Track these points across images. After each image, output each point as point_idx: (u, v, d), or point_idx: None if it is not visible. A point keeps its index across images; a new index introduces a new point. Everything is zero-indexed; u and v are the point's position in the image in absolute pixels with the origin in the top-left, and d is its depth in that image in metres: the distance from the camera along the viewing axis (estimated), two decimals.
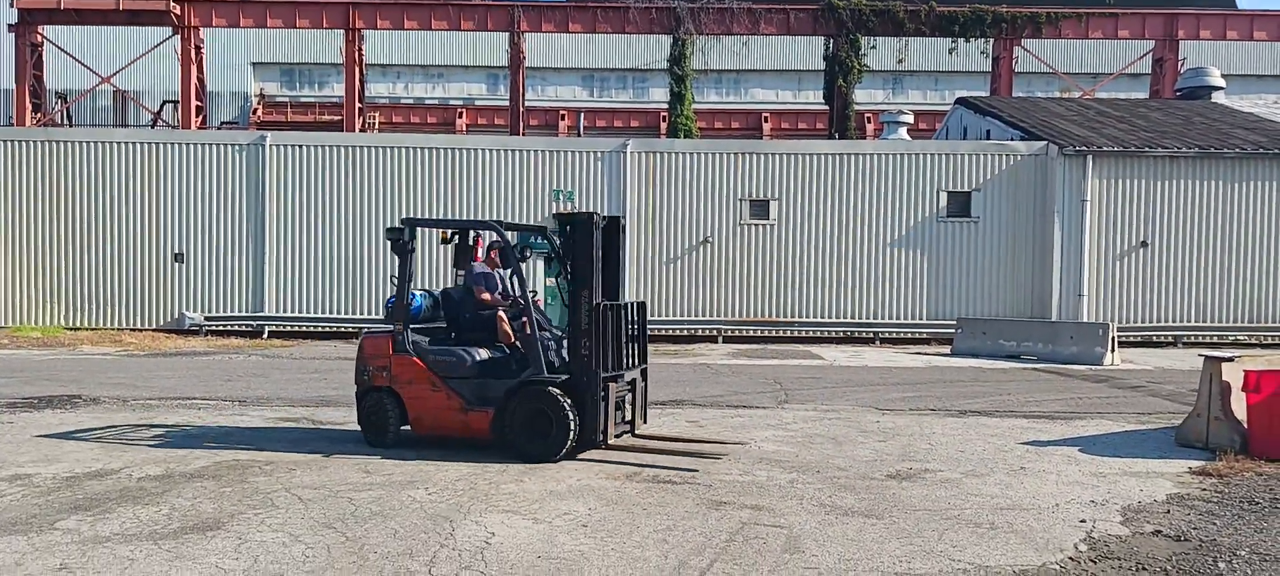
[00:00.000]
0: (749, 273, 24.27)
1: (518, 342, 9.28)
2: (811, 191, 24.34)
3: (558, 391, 8.57)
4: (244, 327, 23.91)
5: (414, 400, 9.16)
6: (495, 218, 23.98)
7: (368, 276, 24.06)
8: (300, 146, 24.47)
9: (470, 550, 6.02)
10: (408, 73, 51.68)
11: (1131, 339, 22.30)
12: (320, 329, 23.95)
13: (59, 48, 35.82)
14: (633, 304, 9.41)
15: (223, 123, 46.76)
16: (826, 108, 39.34)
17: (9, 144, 24.16)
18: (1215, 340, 23.40)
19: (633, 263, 24.10)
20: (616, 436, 8.93)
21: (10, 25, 34.57)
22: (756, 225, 24.33)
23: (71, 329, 23.53)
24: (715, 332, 24.12)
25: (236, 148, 24.40)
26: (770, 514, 6.95)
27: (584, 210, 10.32)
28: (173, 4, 33.65)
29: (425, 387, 9.10)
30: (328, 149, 24.37)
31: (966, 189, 24.30)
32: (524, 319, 9.04)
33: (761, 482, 7.93)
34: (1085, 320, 22.71)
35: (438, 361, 9.14)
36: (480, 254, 10.37)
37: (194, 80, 35.22)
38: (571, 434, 8.48)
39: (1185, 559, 5.94)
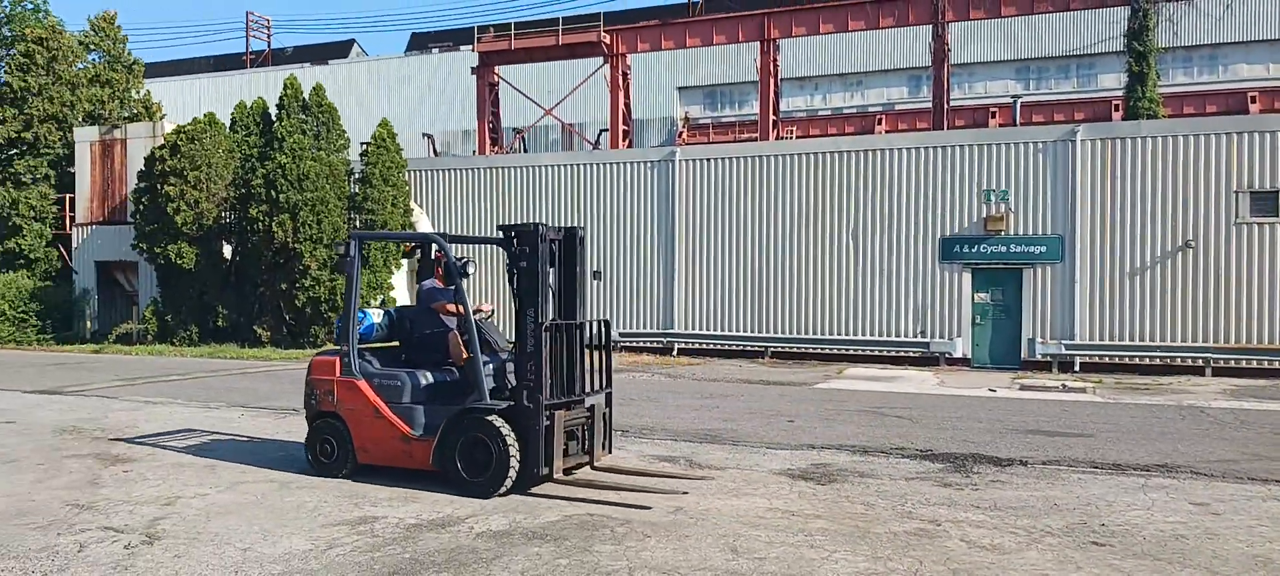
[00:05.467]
0: (1250, 285, 18.92)
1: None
2: None
3: (499, 420, 7.76)
4: (654, 344, 23.65)
5: (358, 428, 8.42)
6: (916, 223, 21.28)
7: (775, 292, 22.57)
8: (708, 160, 23.73)
9: None
10: (825, 83, 50.08)
11: None
12: (726, 347, 22.93)
13: (511, 84, 39.34)
14: (595, 322, 8.47)
15: (652, 148, 48.83)
16: None
17: (458, 172, 26.33)
18: None
19: (1083, 274, 19.98)
20: (567, 469, 8.11)
21: (473, 68, 38.72)
22: (1260, 224, 18.90)
23: None
24: (1201, 363, 19.09)
25: (649, 165, 24.31)
26: None
27: (529, 221, 9.66)
28: (603, 34, 35.32)
29: (370, 414, 8.34)
30: (734, 161, 23.34)
31: None
32: (466, 339, 8.27)
33: None
34: None
35: (383, 386, 8.39)
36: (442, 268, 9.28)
37: (621, 105, 36.69)
38: (511, 467, 7.67)
39: None
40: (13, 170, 28.83)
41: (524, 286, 7.90)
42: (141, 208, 24.59)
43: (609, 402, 8.54)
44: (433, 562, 6.12)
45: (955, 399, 15.18)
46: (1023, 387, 16.95)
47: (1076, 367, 19.75)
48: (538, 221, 9.02)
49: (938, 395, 15.78)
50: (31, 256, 28.71)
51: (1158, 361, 19.50)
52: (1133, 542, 6.53)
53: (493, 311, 9.33)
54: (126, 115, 30.72)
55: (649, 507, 7.48)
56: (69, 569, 6.02)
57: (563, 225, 8.51)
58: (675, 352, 23.16)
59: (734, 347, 22.82)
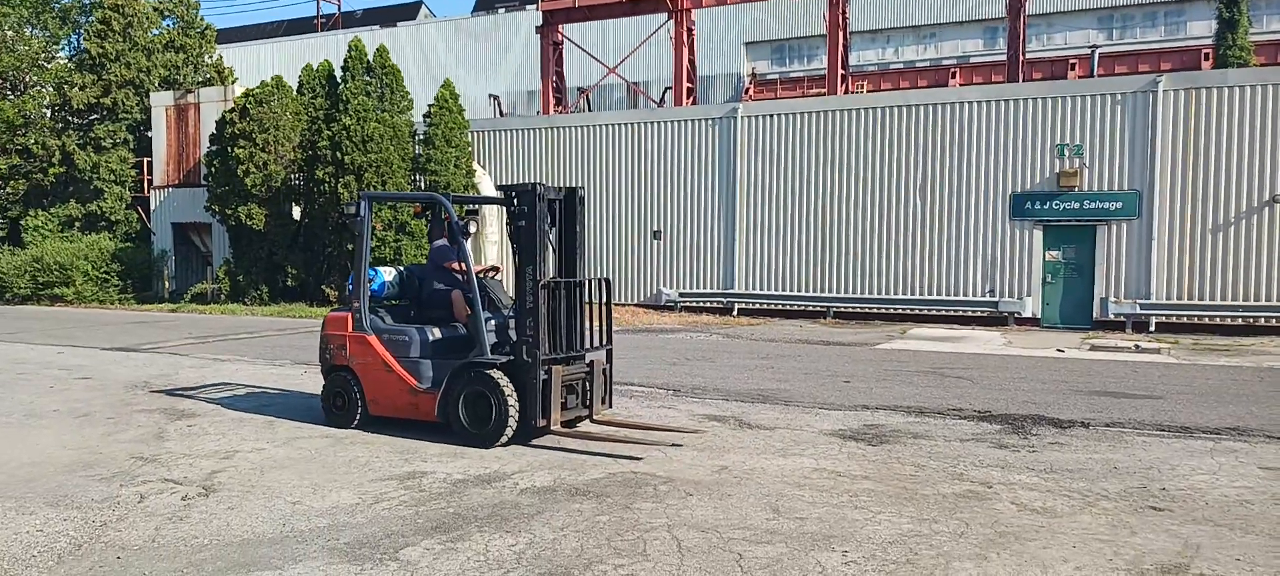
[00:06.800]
0: None
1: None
2: None
3: (499, 374, 8.00)
4: (714, 304, 23.52)
5: (370, 382, 8.78)
6: (986, 179, 20.69)
7: (839, 251, 22.21)
8: (770, 116, 23.34)
9: None
10: (897, 36, 48.81)
11: None
12: (787, 308, 22.69)
13: (575, 43, 39.17)
14: (595, 280, 8.65)
15: (713, 105, 48.20)
16: None
17: (520, 132, 26.41)
18: None
19: (1161, 231, 19.22)
20: (565, 422, 8.27)
21: (537, 27, 38.67)
22: None
23: None
24: None
25: (710, 122, 24.03)
26: None
27: (527, 181, 10.04)
28: None
29: (379, 368, 8.69)
30: (797, 117, 22.92)
31: None
32: (468, 297, 8.52)
33: None
34: None
35: (392, 341, 8.73)
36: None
37: (686, 62, 36.23)
38: (511, 418, 7.94)
39: None
40: (93, 135, 29.81)
41: (523, 244, 8.07)
42: (213, 170, 25.24)
43: (609, 358, 8.75)
44: (475, 517, 6.18)
45: (1021, 359, 14.80)
46: (1093, 348, 16.44)
47: (1152, 328, 19.07)
48: (537, 181, 9.09)
49: (1003, 355, 15.40)
50: (112, 218, 29.74)
51: (1239, 321, 18.72)
52: (1193, 508, 6.28)
53: (499, 270, 9.53)
54: (200, 80, 31.48)
55: (639, 458, 7.66)
56: (128, 518, 6.24)
57: (563, 185, 8.79)
58: (736, 313, 23.01)
59: (795, 308, 22.57)
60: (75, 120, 30.36)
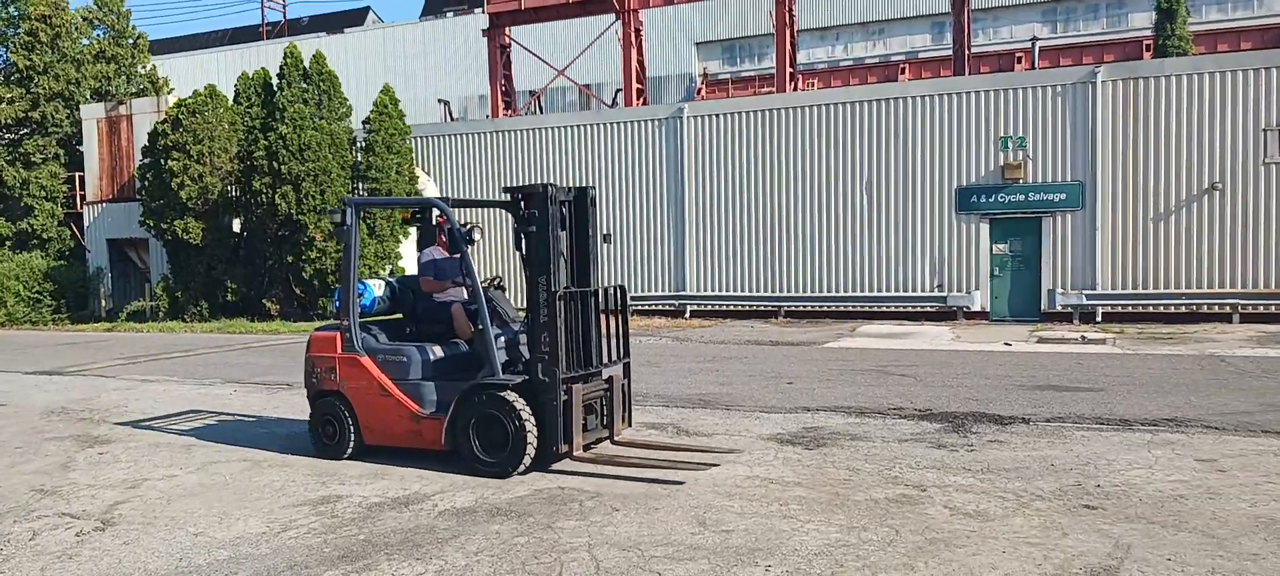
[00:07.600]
0: (1277, 227, 18.23)
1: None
2: None
3: (514, 395, 7.24)
4: (666, 307, 23.30)
5: (364, 408, 7.94)
6: (932, 174, 20.70)
7: (788, 250, 22.10)
8: (717, 116, 23.18)
9: None
10: (846, 33, 48.96)
11: None
12: (739, 308, 22.54)
13: (522, 46, 38.76)
14: (611, 288, 7.77)
15: (660, 106, 47.95)
16: None
17: (464, 137, 26.01)
18: None
19: (1104, 222, 19.34)
20: (586, 445, 7.45)
21: (484, 30, 38.16)
22: None
23: None
24: (1228, 309, 18.46)
25: (657, 123, 23.82)
26: None
27: (539, 182, 8.97)
28: None
29: (375, 392, 7.84)
30: (744, 116, 22.79)
31: None
32: (474, 310, 7.70)
33: None
34: None
35: (388, 362, 7.87)
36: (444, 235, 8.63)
37: (634, 63, 35.96)
38: (530, 444, 7.17)
39: None
40: (22, 150, 28.86)
41: (534, 253, 7.34)
42: (147, 183, 24.52)
43: (627, 372, 7.93)
44: (386, 544, 5.87)
45: (967, 354, 14.74)
46: (1040, 340, 16.45)
47: (1098, 318, 19.18)
48: (547, 182, 8.38)
49: (950, 351, 15.34)
50: (44, 236, 28.81)
51: (1183, 309, 18.89)
52: (1127, 504, 6.14)
53: (501, 281, 8.60)
54: (133, 90, 30.62)
55: (681, 482, 6.98)
56: (15, 559, 5.84)
57: (573, 185, 7.96)
58: (687, 315, 22.81)
59: (747, 308, 22.43)
60: (4, 135, 29.37)
